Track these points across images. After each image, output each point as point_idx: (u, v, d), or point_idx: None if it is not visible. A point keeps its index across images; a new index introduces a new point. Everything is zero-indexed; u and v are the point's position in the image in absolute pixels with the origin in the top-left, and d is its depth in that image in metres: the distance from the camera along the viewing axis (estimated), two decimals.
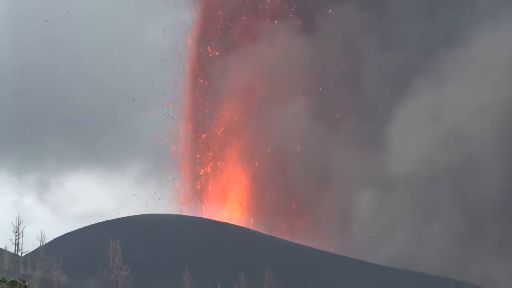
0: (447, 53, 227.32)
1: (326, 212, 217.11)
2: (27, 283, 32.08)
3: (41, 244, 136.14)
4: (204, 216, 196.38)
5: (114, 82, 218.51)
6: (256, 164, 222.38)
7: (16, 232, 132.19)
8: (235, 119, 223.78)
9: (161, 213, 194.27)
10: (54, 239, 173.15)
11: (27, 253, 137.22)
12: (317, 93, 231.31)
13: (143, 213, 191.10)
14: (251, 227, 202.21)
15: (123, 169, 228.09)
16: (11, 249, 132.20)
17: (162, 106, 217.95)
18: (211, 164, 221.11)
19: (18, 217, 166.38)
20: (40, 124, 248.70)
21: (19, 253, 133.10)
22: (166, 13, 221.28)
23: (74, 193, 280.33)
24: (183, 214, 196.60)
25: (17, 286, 31.65)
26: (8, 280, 31.28)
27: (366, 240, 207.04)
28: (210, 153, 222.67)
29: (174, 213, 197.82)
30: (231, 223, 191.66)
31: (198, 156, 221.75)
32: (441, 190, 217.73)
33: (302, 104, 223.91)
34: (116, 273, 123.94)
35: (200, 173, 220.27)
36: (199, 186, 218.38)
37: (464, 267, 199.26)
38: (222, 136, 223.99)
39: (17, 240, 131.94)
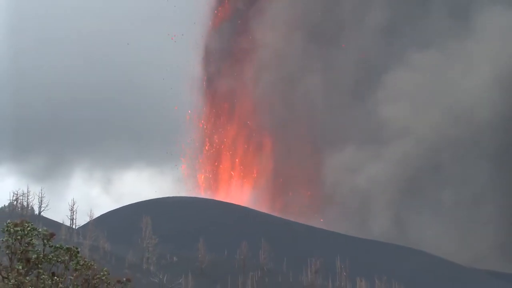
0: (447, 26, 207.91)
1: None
2: (79, 249, 32.80)
3: (90, 219, 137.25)
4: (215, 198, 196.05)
5: (162, 106, 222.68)
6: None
7: (71, 210, 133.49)
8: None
9: (182, 196, 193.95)
10: (101, 215, 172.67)
11: (79, 226, 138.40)
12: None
13: (169, 196, 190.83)
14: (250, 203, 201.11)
15: (166, 169, 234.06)
16: (67, 223, 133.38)
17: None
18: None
19: (73, 198, 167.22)
20: (106, 134, 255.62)
21: (73, 226, 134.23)
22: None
23: (130, 186, 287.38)
24: (199, 196, 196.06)
25: (71, 252, 32.10)
26: (64, 247, 31.92)
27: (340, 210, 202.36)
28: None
29: (192, 196, 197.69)
30: (235, 203, 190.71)
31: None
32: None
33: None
34: (147, 241, 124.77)
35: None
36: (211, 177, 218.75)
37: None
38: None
39: (72, 216, 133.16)
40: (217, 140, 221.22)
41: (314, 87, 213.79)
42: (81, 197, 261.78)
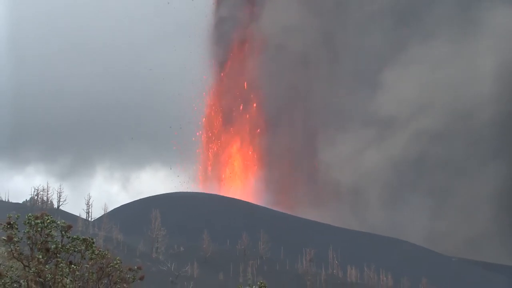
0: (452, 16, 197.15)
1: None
2: (94, 240, 32.83)
3: (105, 212, 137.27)
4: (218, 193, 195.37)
5: (175, 117, 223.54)
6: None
7: (87, 204, 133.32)
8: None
9: (188, 191, 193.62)
10: (114, 208, 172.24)
11: (95, 219, 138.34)
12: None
13: (177, 191, 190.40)
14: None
15: (179, 169, 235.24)
16: (84, 216, 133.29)
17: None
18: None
19: (89, 193, 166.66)
20: (125, 137, 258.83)
21: (89, 219, 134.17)
22: None
23: (146, 184, 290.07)
24: (204, 192, 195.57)
25: (87, 242, 32.12)
26: (81, 238, 31.96)
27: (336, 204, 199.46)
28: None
29: (197, 191, 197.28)
30: (237, 198, 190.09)
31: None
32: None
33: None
34: (157, 232, 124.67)
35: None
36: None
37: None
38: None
39: (87, 210, 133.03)
40: (214, 138, 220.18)
41: (315, 81, 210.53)
42: (102, 194, 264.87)
